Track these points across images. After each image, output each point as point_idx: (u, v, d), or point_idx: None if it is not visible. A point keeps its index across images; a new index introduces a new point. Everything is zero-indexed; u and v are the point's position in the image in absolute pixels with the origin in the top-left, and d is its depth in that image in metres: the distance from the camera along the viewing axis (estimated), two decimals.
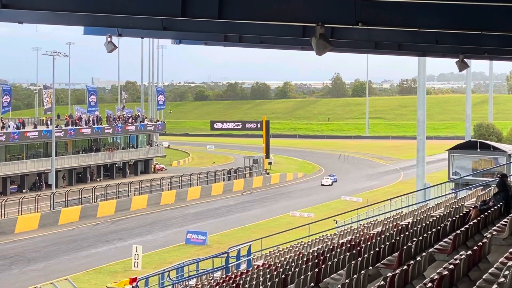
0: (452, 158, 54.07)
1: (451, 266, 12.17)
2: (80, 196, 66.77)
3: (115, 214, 67.60)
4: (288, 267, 21.43)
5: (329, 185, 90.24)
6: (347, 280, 13.46)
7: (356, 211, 46.51)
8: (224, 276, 28.95)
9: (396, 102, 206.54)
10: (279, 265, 24.22)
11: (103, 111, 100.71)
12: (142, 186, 76.23)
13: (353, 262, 15.67)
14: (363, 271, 14.12)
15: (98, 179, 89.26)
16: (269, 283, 17.18)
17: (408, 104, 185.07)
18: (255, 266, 28.68)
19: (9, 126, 79.01)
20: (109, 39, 17.97)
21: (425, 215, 27.11)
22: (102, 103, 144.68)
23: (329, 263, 17.20)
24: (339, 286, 13.04)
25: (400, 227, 22.91)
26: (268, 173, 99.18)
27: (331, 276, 16.25)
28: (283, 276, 17.87)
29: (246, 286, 19.54)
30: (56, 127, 79.87)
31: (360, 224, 37.83)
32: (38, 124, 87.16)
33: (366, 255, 16.33)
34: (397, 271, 12.88)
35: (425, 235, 17.38)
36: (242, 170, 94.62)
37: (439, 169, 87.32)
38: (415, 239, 17.12)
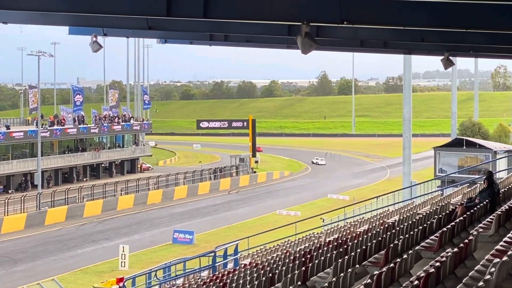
0: (438, 156, 54.20)
1: (438, 264, 12.19)
2: (66, 196, 66.45)
3: (102, 214, 67.37)
4: (275, 265, 21.42)
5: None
6: (334, 279, 13.47)
7: (343, 209, 46.53)
8: (211, 275, 28.92)
9: (382, 100, 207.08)
10: (266, 263, 24.20)
11: (89, 111, 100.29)
12: (128, 185, 75.98)
13: (340, 260, 15.69)
14: (350, 269, 14.14)
15: (84, 179, 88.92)
16: (256, 282, 17.17)
17: (394, 101, 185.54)
18: (242, 265, 28.66)
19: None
20: (94, 38, 17.93)
21: (412, 212, 27.15)
22: (87, 103, 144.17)
23: (316, 261, 17.21)
24: (326, 284, 13.04)
25: (386, 225, 22.95)
26: (255, 172, 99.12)
27: (318, 275, 16.26)
28: (270, 274, 17.86)
29: (233, 285, 19.51)
30: (42, 127, 79.52)
31: (347, 222, 37.77)
32: (23, 124, 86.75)
33: (353, 253, 16.36)
34: (384, 269, 12.89)
35: (411, 232, 17.42)
36: (229, 169, 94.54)
37: (425, 167, 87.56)
38: (401, 237, 17.16)
